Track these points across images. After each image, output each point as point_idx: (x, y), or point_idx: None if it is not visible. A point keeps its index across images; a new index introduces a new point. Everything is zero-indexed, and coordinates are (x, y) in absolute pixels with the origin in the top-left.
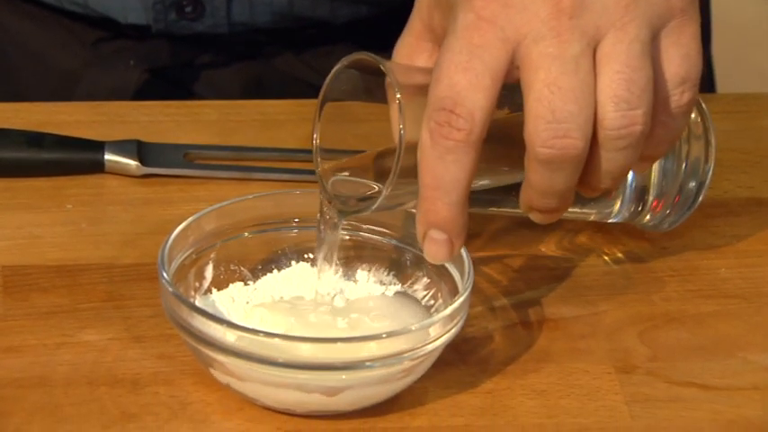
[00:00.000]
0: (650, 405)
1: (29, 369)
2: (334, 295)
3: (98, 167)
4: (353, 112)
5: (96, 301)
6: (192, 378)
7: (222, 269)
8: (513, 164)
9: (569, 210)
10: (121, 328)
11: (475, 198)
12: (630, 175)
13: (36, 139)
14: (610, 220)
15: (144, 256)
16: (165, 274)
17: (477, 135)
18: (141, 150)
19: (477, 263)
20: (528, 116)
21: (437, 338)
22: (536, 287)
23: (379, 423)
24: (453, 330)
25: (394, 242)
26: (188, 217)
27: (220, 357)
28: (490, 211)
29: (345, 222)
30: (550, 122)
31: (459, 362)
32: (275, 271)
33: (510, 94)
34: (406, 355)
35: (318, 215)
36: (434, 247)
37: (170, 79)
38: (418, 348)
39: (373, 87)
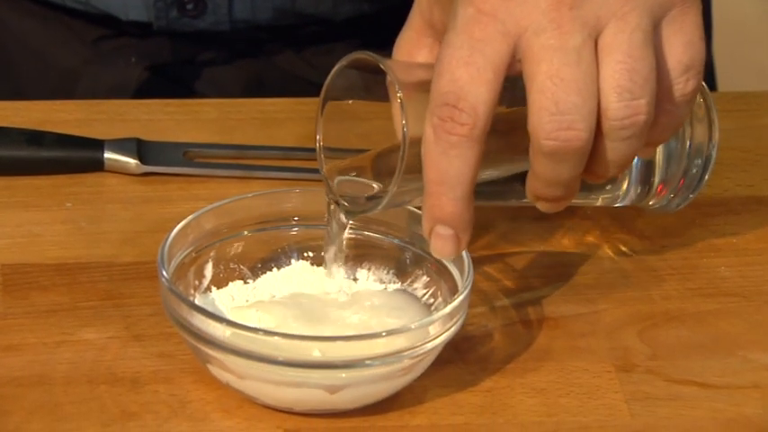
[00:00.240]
0: (650, 403)
1: (28, 367)
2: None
3: (98, 166)
4: (355, 111)
5: (96, 299)
6: (191, 376)
7: (222, 267)
8: (518, 156)
9: (576, 196)
10: (121, 326)
11: (480, 191)
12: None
13: (36, 138)
14: (617, 204)
15: (144, 255)
16: (164, 273)
17: (480, 129)
18: (141, 149)
19: (476, 261)
20: (531, 108)
21: (437, 337)
22: (536, 286)
23: (378, 421)
24: (453, 329)
25: (394, 240)
26: (188, 215)
27: (220, 356)
28: (496, 204)
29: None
30: (554, 114)
31: (459, 360)
32: (275, 269)
33: (512, 87)
34: (405, 353)
35: (327, 216)
36: (441, 243)
37: (171, 77)
38: (418, 347)
39: (374, 86)
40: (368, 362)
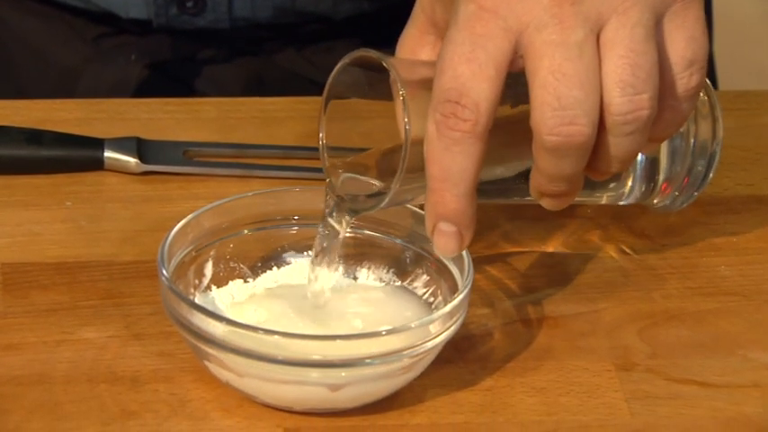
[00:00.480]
0: (650, 402)
1: (28, 366)
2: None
3: (97, 165)
4: (357, 110)
5: (96, 298)
6: (191, 375)
7: (222, 266)
8: (520, 154)
9: (580, 194)
10: (121, 325)
11: (483, 189)
12: (639, 154)
13: (35, 137)
14: (621, 202)
15: (143, 254)
16: (164, 272)
17: (483, 125)
18: (141, 148)
19: (476, 261)
20: (534, 104)
21: (437, 336)
22: (535, 285)
23: (378, 420)
24: (453, 328)
25: (394, 240)
26: (188, 214)
27: (220, 354)
28: (499, 202)
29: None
30: (556, 110)
31: (459, 359)
32: (275, 268)
33: (514, 84)
34: (405, 352)
35: (325, 212)
36: (444, 240)
37: (171, 75)
38: (418, 346)
39: (377, 83)
40: (368, 360)
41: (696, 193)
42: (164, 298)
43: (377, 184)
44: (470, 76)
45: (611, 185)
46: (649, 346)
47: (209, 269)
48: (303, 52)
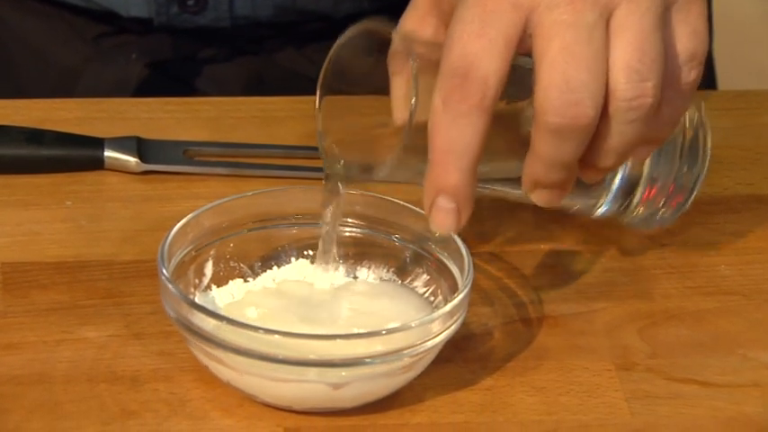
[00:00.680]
0: (650, 402)
1: (28, 366)
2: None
3: (98, 164)
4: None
5: (96, 297)
6: (191, 375)
7: (222, 266)
8: (513, 152)
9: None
10: (121, 324)
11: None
12: (622, 167)
13: (35, 136)
14: (596, 213)
15: (143, 253)
16: (164, 271)
17: (490, 99)
18: (141, 147)
19: (476, 260)
20: (540, 84)
21: (437, 335)
22: (536, 284)
23: (379, 420)
24: (453, 327)
25: (394, 239)
26: (188, 214)
27: (220, 354)
28: (490, 193)
29: (349, 219)
30: (564, 91)
31: (459, 359)
32: (275, 267)
33: (512, 74)
34: (405, 351)
35: (323, 196)
36: (441, 216)
37: (171, 74)
38: (418, 345)
39: (378, 63)
40: (368, 360)
41: (680, 210)
42: (164, 297)
43: (376, 159)
44: (480, 52)
45: (588, 192)
46: (649, 345)
47: (209, 268)
48: (303, 51)
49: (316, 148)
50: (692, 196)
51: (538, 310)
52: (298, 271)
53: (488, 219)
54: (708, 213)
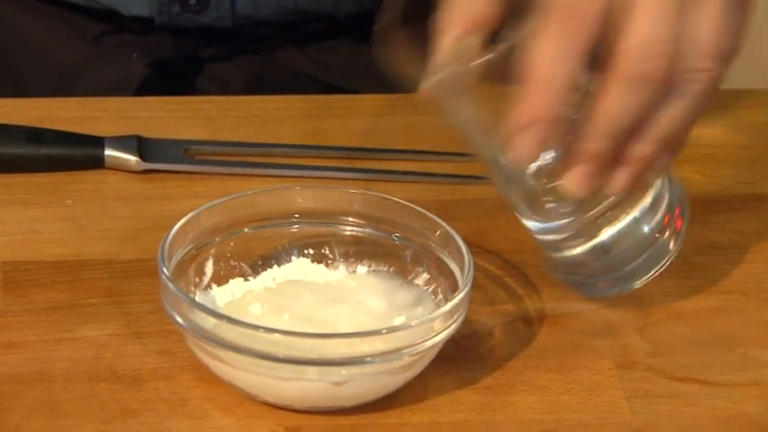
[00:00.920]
0: (650, 401)
1: (28, 365)
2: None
3: (98, 163)
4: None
5: (96, 296)
6: (191, 374)
7: (222, 265)
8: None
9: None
10: (121, 323)
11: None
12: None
13: (36, 135)
14: (549, 237)
15: (144, 252)
16: (165, 270)
17: (590, 44)
18: (141, 146)
19: (476, 259)
20: (637, 28)
21: (437, 334)
22: (536, 283)
23: (379, 419)
24: (453, 326)
25: (394, 238)
26: (188, 213)
27: (220, 353)
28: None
29: (349, 218)
30: (657, 41)
31: (460, 358)
32: (275, 266)
33: None
34: (405, 350)
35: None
36: (528, 144)
37: (172, 73)
38: (418, 344)
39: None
40: (368, 359)
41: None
42: (164, 296)
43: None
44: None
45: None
46: (650, 344)
47: (209, 267)
48: (304, 50)
49: (316, 147)
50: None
51: (538, 309)
52: (298, 270)
53: (488, 217)
54: (708, 212)
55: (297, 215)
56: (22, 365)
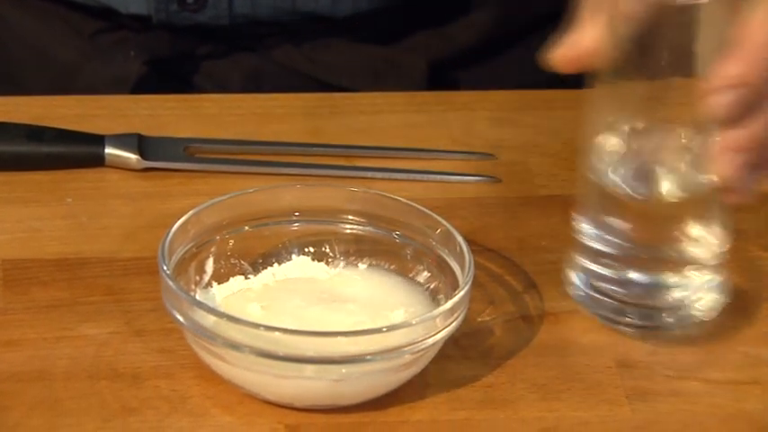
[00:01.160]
0: (651, 399)
1: (29, 363)
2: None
3: (98, 161)
4: None
5: (96, 294)
6: (192, 372)
7: (223, 263)
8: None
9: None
10: (122, 321)
11: None
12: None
13: (36, 133)
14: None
15: (144, 250)
16: (165, 268)
17: None
18: (141, 144)
19: (477, 257)
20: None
21: (438, 332)
22: (537, 281)
23: (379, 417)
24: (454, 324)
25: (395, 236)
26: (188, 211)
27: (220, 351)
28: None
29: (350, 216)
30: None
31: (460, 356)
32: (276, 265)
33: None
34: (406, 348)
35: None
36: (726, 104)
37: (170, 71)
38: (419, 342)
39: None
40: (368, 357)
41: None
42: (164, 294)
43: None
44: None
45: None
46: (650, 342)
47: (209, 266)
48: (301, 49)
49: (316, 145)
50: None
51: (539, 307)
52: (299, 268)
53: (489, 216)
54: None
55: (297, 213)
56: (22, 363)
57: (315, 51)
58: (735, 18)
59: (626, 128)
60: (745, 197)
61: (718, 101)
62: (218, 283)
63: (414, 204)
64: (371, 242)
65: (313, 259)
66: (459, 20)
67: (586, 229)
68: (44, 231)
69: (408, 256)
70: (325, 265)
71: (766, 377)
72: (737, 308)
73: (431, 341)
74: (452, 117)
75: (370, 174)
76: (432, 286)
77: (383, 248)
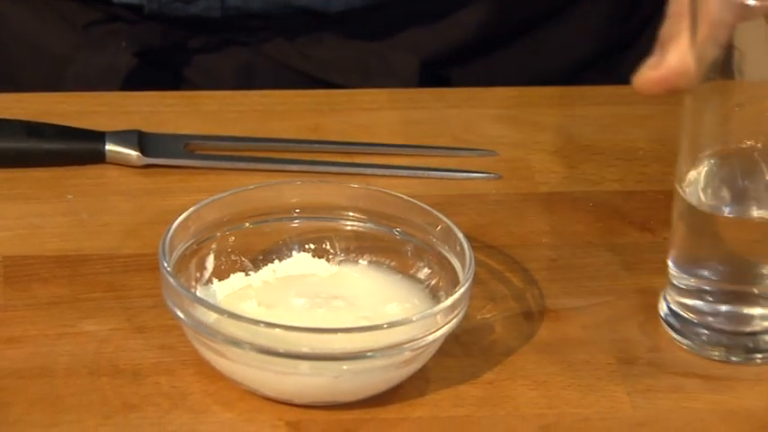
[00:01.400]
0: (651, 395)
1: (30, 360)
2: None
3: (99, 158)
4: None
5: (97, 291)
6: (192, 368)
7: (223, 259)
8: None
9: None
10: (122, 318)
11: None
12: None
13: (37, 130)
14: None
15: (145, 247)
16: (166, 265)
17: None
18: (142, 141)
19: (477, 253)
20: None
21: (438, 329)
22: (537, 278)
23: (380, 414)
24: (454, 321)
25: (395, 232)
26: (189, 207)
27: (221, 348)
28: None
29: (350, 213)
30: None
31: (461, 352)
32: (276, 261)
33: None
34: (407, 345)
35: None
36: None
37: (161, 64)
38: (419, 339)
39: None
40: (369, 354)
41: None
42: (165, 291)
43: None
44: None
45: None
46: (651, 339)
47: (210, 262)
48: (294, 43)
49: (316, 142)
50: None
51: (539, 304)
52: (299, 265)
53: (489, 212)
54: None
55: (298, 210)
56: (23, 360)
57: (307, 46)
58: None
59: (715, 148)
60: None
61: None
62: (219, 280)
63: (414, 201)
64: (372, 239)
65: (313, 256)
66: (451, 18)
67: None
68: (45, 228)
69: (409, 253)
70: (326, 262)
71: (767, 374)
72: None
73: (431, 338)
74: (453, 114)
75: (370, 170)
76: (432, 283)
77: (384, 245)
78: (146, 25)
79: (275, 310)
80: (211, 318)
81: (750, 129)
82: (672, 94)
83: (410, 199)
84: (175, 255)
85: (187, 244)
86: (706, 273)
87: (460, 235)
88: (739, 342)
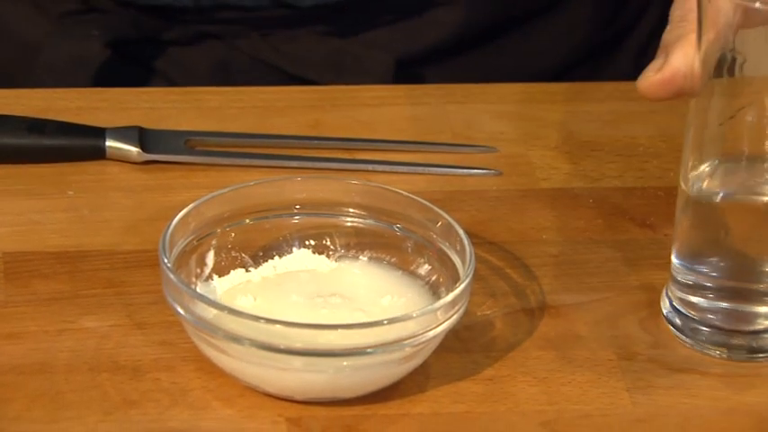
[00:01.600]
0: (652, 392)
1: (30, 356)
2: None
3: (99, 154)
4: None
5: (98, 287)
6: (193, 365)
7: (223, 256)
8: None
9: None
10: (123, 314)
11: None
12: None
13: (37, 126)
14: None
15: (145, 243)
16: (166, 261)
17: None
18: (142, 137)
19: (478, 250)
20: None
21: (439, 325)
22: (538, 274)
23: (380, 410)
24: (455, 317)
25: (395, 229)
26: (189, 204)
27: (221, 344)
28: None
29: (350, 209)
30: None
31: (461, 349)
32: (276, 257)
33: None
34: (407, 341)
35: None
36: None
37: (135, 56)
38: (419, 335)
39: None
40: (369, 350)
41: None
42: (165, 287)
43: None
44: None
45: None
46: (651, 335)
47: (210, 258)
48: (269, 39)
49: (317, 138)
50: None
51: (539, 300)
52: (299, 261)
53: (490, 209)
54: None
55: (298, 206)
56: (23, 356)
57: (282, 43)
58: None
59: (720, 148)
60: None
61: None
62: (219, 276)
63: (414, 197)
64: (372, 235)
65: (314, 252)
66: (428, 17)
67: (680, 262)
68: (45, 224)
69: (409, 249)
70: (326, 258)
71: (766, 370)
72: None
73: (432, 334)
74: (453, 110)
75: (370, 166)
76: (432, 279)
77: (384, 241)
78: (118, 14)
79: (275, 306)
80: (211, 314)
81: (754, 130)
82: (675, 98)
83: (410, 195)
84: (176, 251)
85: (187, 240)
86: (708, 268)
87: (461, 231)
88: (741, 341)
